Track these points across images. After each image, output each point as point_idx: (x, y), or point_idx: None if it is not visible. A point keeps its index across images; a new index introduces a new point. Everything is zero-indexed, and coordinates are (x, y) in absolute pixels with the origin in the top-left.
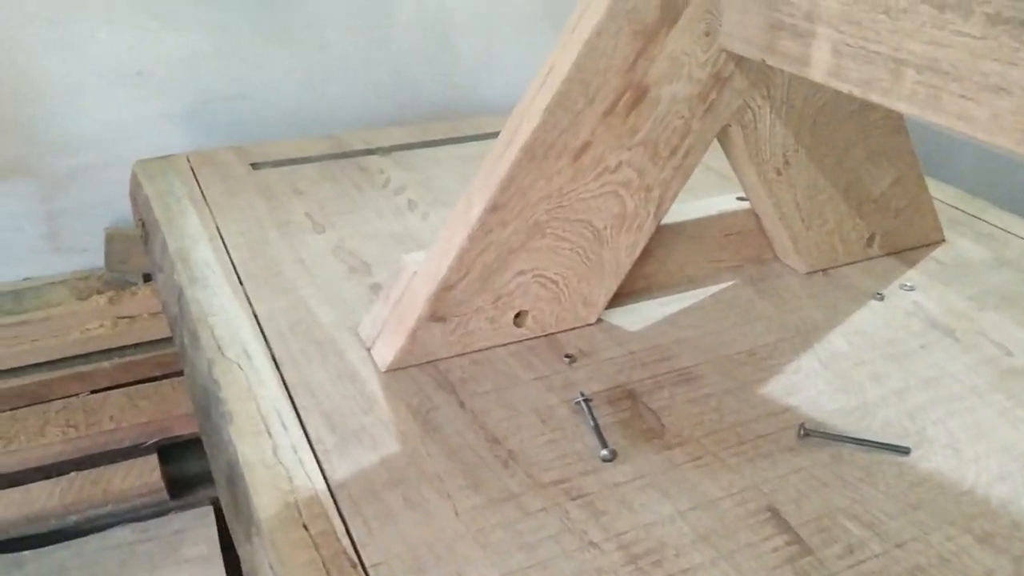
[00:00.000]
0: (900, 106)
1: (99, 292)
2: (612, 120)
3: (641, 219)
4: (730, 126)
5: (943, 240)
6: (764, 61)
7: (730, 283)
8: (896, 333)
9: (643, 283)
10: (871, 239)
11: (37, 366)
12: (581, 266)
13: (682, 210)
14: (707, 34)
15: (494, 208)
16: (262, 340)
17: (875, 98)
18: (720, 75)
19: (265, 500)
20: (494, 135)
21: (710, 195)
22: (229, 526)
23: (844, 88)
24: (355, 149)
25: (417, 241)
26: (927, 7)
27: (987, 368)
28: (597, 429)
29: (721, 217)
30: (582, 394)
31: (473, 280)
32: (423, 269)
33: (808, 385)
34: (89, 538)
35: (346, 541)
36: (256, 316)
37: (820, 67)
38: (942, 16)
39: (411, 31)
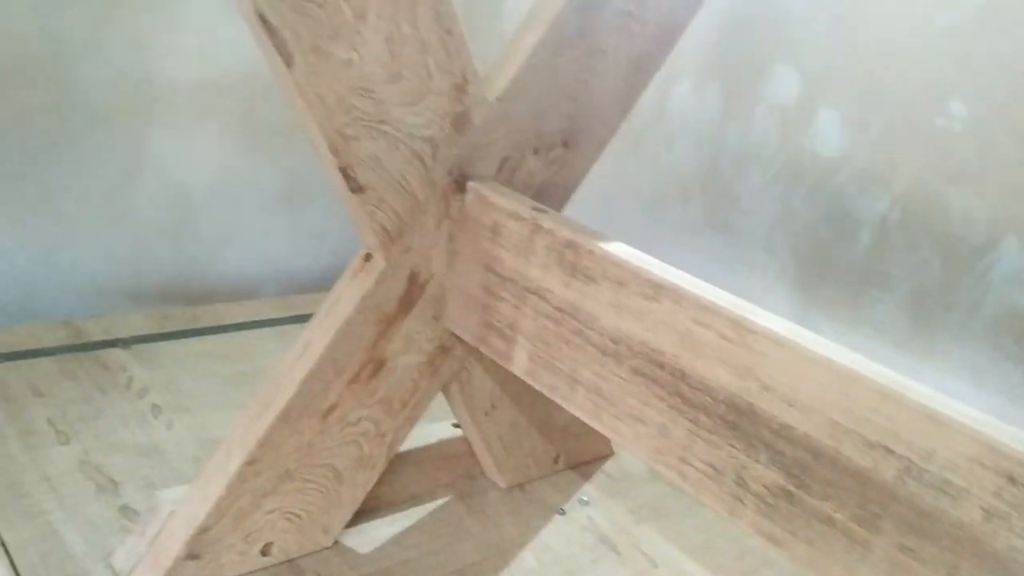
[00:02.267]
0: (576, 412)
1: None
2: (355, 386)
3: (375, 459)
4: (451, 383)
5: (612, 453)
6: (479, 348)
7: (445, 499)
8: (574, 548)
9: (373, 503)
10: (557, 458)
11: None
12: (323, 501)
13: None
14: (435, 318)
15: (250, 462)
16: None
17: (559, 402)
18: (444, 346)
19: None
20: (233, 327)
21: None
22: None
23: (537, 387)
24: (94, 340)
25: (163, 455)
26: (593, 349)
27: None
28: None
29: (440, 444)
30: None
31: (227, 522)
32: (181, 512)
33: None
34: None
35: None
36: (5, 546)
37: (520, 366)
38: (604, 357)
39: (153, 206)
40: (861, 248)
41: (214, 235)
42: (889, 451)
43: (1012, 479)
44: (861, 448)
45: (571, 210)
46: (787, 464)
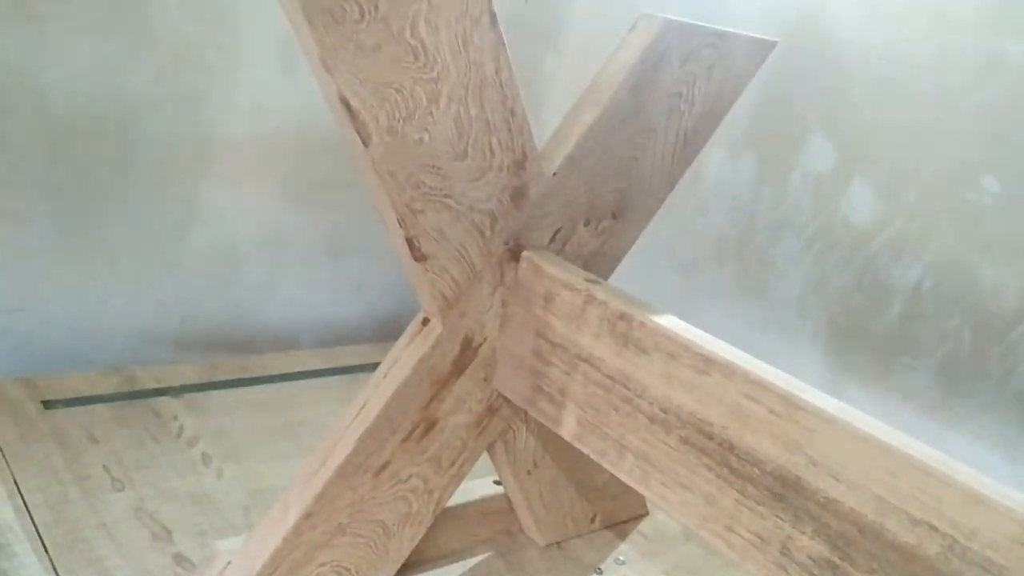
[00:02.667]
0: (623, 477)
1: None
2: (408, 444)
3: (423, 515)
4: (496, 442)
5: (647, 513)
6: (528, 410)
7: (485, 555)
8: None
9: (416, 556)
10: (594, 517)
11: None
12: (371, 555)
13: None
14: (485, 379)
15: (307, 515)
16: None
17: (607, 466)
18: (492, 407)
19: None
20: (279, 378)
21: None
22: None
23: (585, 451)
24: (147, 388)
25: (214, 504)
26: (642, 417)
27: None
28: None
29: (481, 500)
30: None
31: (282, 574)
32: (237, 562)
33: None
34: None
35: None
36: None
37: (568, 430)
38: (652, 425)
39: (202, 257)
40: (893, 316)
41: (258, 286)
42: (933, 528)
43: None
44: (906, 524)
45: None
46: (832, 537)
